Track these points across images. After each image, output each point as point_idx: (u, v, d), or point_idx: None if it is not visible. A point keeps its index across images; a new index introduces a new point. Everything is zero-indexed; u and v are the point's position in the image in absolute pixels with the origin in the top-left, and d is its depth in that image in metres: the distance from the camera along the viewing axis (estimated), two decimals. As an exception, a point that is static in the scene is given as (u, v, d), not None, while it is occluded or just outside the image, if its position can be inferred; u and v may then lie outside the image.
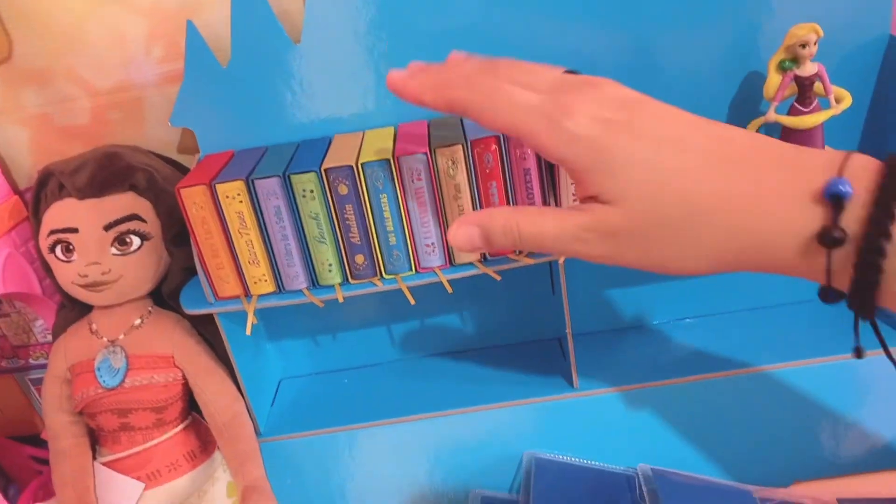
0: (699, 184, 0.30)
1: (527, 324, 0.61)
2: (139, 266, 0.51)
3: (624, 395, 0.54)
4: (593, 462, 0.53)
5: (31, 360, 0.63)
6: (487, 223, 0.35)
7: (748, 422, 0.53)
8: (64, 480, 0.51)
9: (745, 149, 0.31)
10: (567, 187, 0.47)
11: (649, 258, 0.32)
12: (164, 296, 0.54)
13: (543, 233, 0.33)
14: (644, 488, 0.49)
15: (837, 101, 0.46)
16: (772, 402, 0.52)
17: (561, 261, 0.49)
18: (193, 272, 0.53)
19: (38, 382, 0.64)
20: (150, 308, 0.54)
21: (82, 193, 0.49)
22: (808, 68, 0.45)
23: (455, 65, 0.37)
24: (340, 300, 0.50)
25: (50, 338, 0.61)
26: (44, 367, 0.63)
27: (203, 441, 0.55)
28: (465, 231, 0.35)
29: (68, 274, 0.50)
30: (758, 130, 0.50)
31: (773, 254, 0.30)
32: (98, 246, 0.49)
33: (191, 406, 0.55)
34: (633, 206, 0.31)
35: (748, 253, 0.30)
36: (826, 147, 0.48)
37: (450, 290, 0.49)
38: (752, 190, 0.30)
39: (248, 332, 0.50)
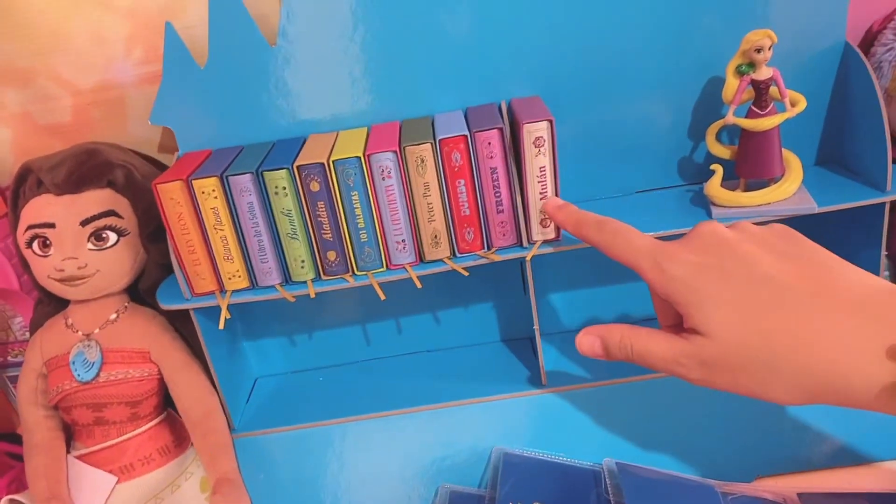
0: (782, 324, 0.33)
1: (499, 323, 0.63)
2: (115, 261, 0.52)
3: (591, 392, 0.55)
4: (560, 457, 0.54)
5: (9, 358, 0.64)
6: (607, 336, 0.40)
7: (711, 418, 0.54)
8: (37, 473, 0.51)
9: (836, 292, 0.33)
10: (534, 186, 0.49)
11: (739, 386, 0.35)
12: (140, 292, 0.55)
13: (651, 353, 0.38)
14: (609, 483, 0.50)
15: (792, 104, 0.48)
16: (735, 399, 0.53)
17: (528, 259, 0.50)
18: (170, 269, 0.54)
19: (16, 380, 0.64)
20: (126, 304, 0.54)
21: (60, 189, 0.50)
22: (764, 72, 0.47)
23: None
24: (312, 296, 0.51)
25: (28, 335, 0.62)
26: (21, 364, 0.64)
27: (177, 436, 0.56)
28: (589, 340, 0.41)
29: (45, 268, 0.51)
30: (718, 132, 0.52)
31: (851, 397, 0.32)
32: (74, 241, 0.50)
33: (166, 402, 0.56)
34: (722, 340, 0.34)
35: (827, 394, 0.33)
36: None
37: (419, 285, 0.50)
38: (832, 337, 0.32)
39: (221, 326, 0.51)
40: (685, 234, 0.39)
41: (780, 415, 0.53)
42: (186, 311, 0.53)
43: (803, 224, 0.56)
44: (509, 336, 0.63)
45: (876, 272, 0.52)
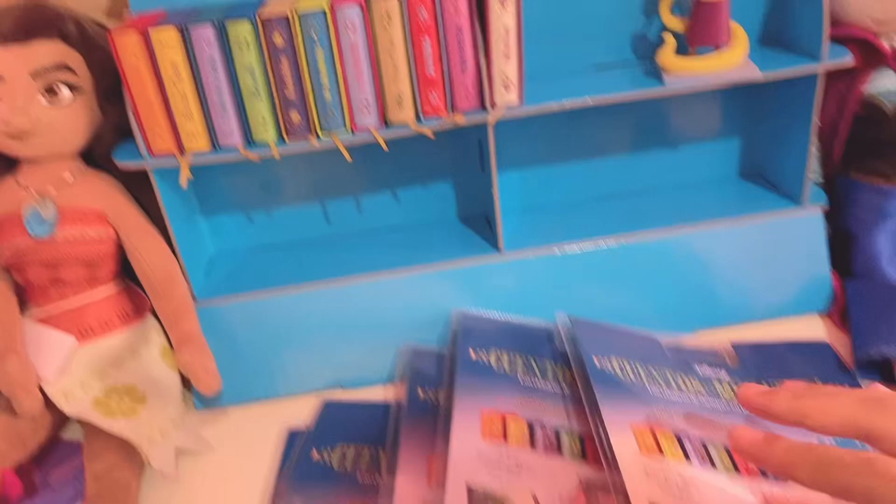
0: None
1: (457, 201, 0.64)
2: (69, 118, 0.50)
3: (545, 259, 0.58)
4: (518, 317, 0.56)
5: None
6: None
7: (656, 280, 0.58)
8: (-8, 331, 0.50)
9: None
10: (498, 47, 0.50)
11: None
12: (95, 157, 0.54)
13: None
14: (563, 333, 0.53)
15: (742, -28, 0.50)
16: (676, 261, 0.58)
17: (491, 122, 0.52)
18: (126, 134, 0.53)
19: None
20: (80, 167, 0.53)
21: (7, 38, 0.48)
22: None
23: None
24: (277, 157, 0.51)
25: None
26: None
27: (137, 304, 0.55)
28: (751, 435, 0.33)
29: (-8, 121, 0.49)
30: (671, 5, 0.54)
31: None
32: (25, 93, 0.48)
33: (124, 271, 0.56)
34: None
35: None
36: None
37: (385, 147, 0.51)
38: None
39: (183, 184, 0.51)
40: None
41: (715, 275, 0.58)
42: (143, 176, 0.52)
43: (746, 96, 0.59)
44: (467, 214, 0.65)
45: (807, 144, 0.56)
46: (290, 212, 0.63)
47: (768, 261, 0.58)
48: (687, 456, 0.43)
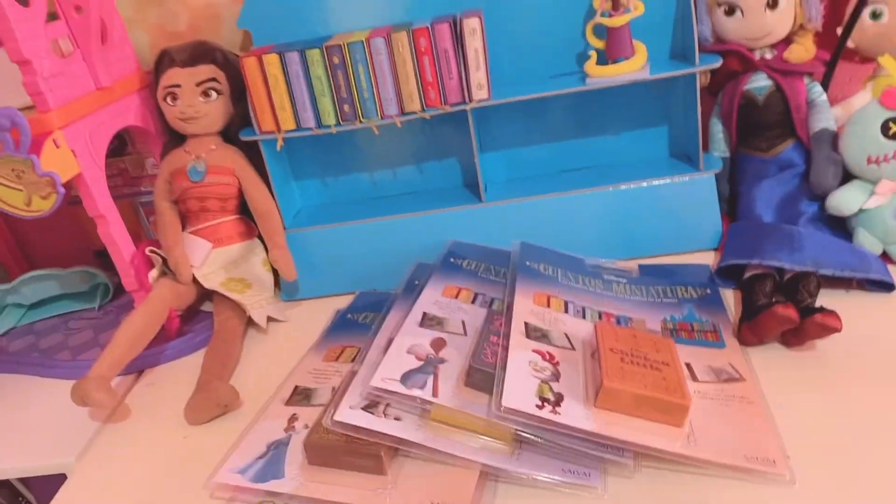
0: None
1: (461, 174, 0.92)
2: (216, 110, 0.83)
3: (511, 205, 0.84)
4: (490, 245, 0.83)
5: (142, 188, 0.96)
6: None
7: (590, 223, 0.82)
8: (166, 237, 0.83)
9: None
10: (472, 61, 0.78)
11: None
12: (230, 136, 0.87)
13: None
14: (514, 257, 0.78)
15: (635, 8, 0.75)
16: (607, 209, 0.82)
17: (469, 109, 0.79)
18: (247, 123, 0.85)
19: (146, 205, 0.97)
20: (220, 141, 0.86)
21: (185, 64, 0.82)
22: (615, -13, 0.75)
23: None
24: (334, 132, 0.81)
25: (156, 171, 0.95)
26: (151, 193, 0.97)
27: (249, 228, 0.87)
28: None
29: (174, 113, 0.83)
30: (594, 30, 0.79)
31: None
32: (192, 95, 0.82)
33: (241, 210, 0.88)
34: None
35: None
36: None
37: (399, 125, 0.80)
38: None
39: (279, 147, 0.82)
40: None
41: (635, 220, 0.81)
42: (257, 149, 0.84)
43: (667, 96, 0.83)
44: (466, 182, 0.92)
45: (696, 125, 0.79)
46: (350, 179, 0.93)
47: (675, 210, 0.81)
48: (566, 311, 0.68)
